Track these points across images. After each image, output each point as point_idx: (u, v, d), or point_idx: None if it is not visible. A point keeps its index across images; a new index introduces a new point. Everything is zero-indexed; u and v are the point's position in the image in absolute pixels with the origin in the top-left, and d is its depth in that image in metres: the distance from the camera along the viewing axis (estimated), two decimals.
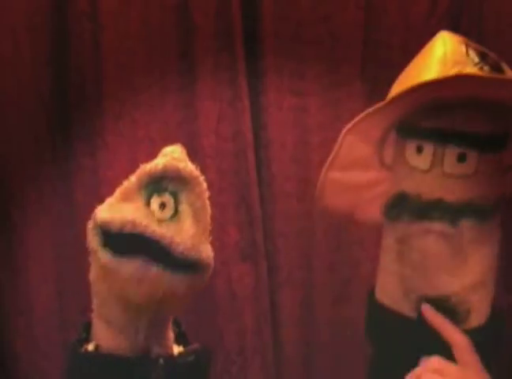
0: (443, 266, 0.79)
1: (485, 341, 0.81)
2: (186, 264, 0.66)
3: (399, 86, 0.85)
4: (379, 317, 0.86)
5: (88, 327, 0.75)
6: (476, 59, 0.80)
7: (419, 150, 0.80)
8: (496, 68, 0.80)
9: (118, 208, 0.64)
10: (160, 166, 0.66)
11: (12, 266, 1.27)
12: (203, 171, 1.23)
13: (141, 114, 1.25)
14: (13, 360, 1.27)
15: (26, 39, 1.22)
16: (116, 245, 0.66)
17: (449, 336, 0.78)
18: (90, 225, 0.68)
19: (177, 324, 0.80)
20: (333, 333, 1.25)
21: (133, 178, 0.67)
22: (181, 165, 0.67)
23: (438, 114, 0.78)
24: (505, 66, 0.84)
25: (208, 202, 0.71)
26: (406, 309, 0.82)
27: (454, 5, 1.19)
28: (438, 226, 0.78)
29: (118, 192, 0.67)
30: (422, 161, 0.80)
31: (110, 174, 1.25)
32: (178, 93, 1.25)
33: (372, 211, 0.89)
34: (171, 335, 0.75)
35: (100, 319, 0.72)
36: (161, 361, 0.71)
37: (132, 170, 1.27)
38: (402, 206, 0.81)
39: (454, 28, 1.18)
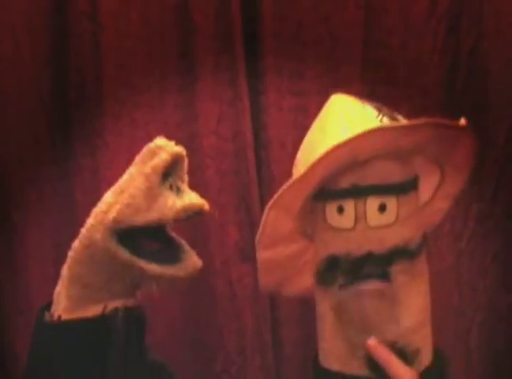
0: (383, 318, 0.81)
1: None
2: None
3: (305, 157, 0.86)
4: None
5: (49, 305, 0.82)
6: (375, 113, 0.83)
7: (340, 210, 0.81)
8: (393, 118, 0.83)
9: (151, 208, 0.75)
10: (169, 157, 0.76)
11: (12, 266, 1.27)
12: (203, 171, 1.24)
13: (140, 114, 1.25)
14: (13, 360, 1.27)
15: (26, 40, 1.22)
16: (128, 243, 0.77)
17: (396, 370, 0.79)
18: (102, 229, 0.77)
19: None
20: None
21: (150, 177, 0.75)
22: (177, 150, 0.79)
23: (354, 172, 0.80)
24: (398, 115, 0.86)
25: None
26: (355, 368, 0.82)
27: (454, 5, 1.19)
28: (369, 285, 0.80)
29: (136, 193, 0.76)
30: (345, 220, 0.81)
31: (110, 174, 1.25)
32: (178, 93, 1.25)
33: (299, 284, 0.90)
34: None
35: (76, 298, 0.80)
36: (120, 313, 0.79)
37: None
38: (334, 268, 0.82)
39: (454, 28, 1.19)
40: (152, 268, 0.78)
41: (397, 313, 0.80)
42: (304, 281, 0.89)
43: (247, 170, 1.23)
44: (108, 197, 0.79)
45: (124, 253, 0.77)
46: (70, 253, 0.82)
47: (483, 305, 1.23)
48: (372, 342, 0.80)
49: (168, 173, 0.78)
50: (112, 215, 0.75)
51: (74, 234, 1.25)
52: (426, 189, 0.89)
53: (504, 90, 1.19)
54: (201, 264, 0.84)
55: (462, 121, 0.81)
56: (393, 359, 0.79)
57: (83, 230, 0.80)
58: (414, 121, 0.79)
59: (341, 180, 0.81)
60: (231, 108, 1.24)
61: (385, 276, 0.80)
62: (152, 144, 0.80)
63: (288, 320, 1.26)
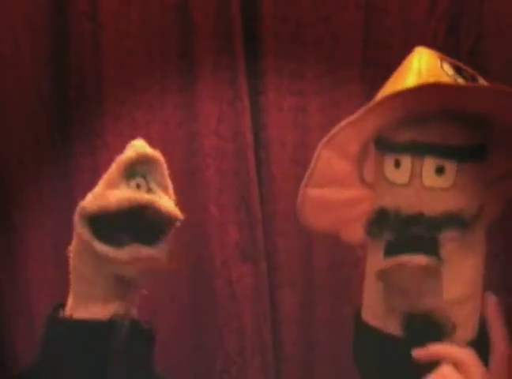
0: (423, 289, 0.79)
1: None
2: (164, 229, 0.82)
3: (378, 97, 0.85)
4: (365, 338, 0.84)
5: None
6: (451, 72, 0.80)
7: (397, 164, 0.79)
8: (472, 80, 0.81)
9: (106, 196, 0.78)
10: (133, 155, 0.80)
11: (12, 266, 1.27)
12: (203, 171, 1.24)
13: (141, 114, 1.25)
14: (13, 360, 1.27)
15: (26, 39, 1.22)
16: (104, 234, 0.79)
17: (455, 358, 0.76)
18: (77, 219, 0.80)
19: None
20: (333, 333, 1.25)
21: (112, 170, 0.80)
22: (147, 151, 0.81)
23: (415, 127, 0.78)
24: (481, 79, 0.84)
25: (168, 177, 0.84)
26: (391, 327, 0.81)
27: (454, 5, 1.19)
28: (414, 259, 0.78)
29: (101, 184, 0.80)
30: (400, 175, 0.79)
31: None
32: (178, 93, 1.25)
33: (356, 231, 0.88)
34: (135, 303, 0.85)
35: (77, 291, 0.82)
36: (126, 322, 0.81)
37: None
38: (383, 222, 0.81)
39: (454, 28, 1.19)
40: (105, 249, 0.78)
41: (439, 282, 0.78)
42: (358, 232, 0.86)
43: (247, 170, 1.23)
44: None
45: (87, 235, 0.79)
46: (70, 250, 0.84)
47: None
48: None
49: (135, 172, 0.80)
50: (83, 205, 0.80)
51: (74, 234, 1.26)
52: (496, 166, 0.84)
53: None
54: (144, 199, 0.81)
55: None
56: (447, 348, 0.77)
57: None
58: (473, 84, 0.78)
59: (401, 133, 0.79)
60: (231, 108, 1.24)
61: (432, 244, 0.78)
62: (131, 142, 0.83)
63: (288, 320, 1.26)
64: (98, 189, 0.80)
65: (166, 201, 0.82)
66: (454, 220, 0.78)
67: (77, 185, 1.26)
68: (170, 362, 1.28)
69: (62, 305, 0.84)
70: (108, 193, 0.78)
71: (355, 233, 0.88)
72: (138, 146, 0.82)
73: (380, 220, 0.81)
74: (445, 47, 1.18)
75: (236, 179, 1.24)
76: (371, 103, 0.78)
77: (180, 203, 1.27)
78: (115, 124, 1.25)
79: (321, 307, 1.25)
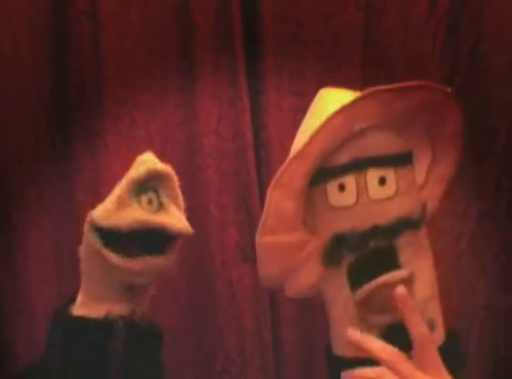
0: None
1: (449, 359, 0.79)
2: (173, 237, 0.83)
3: (298, 141, 0.88)
4: (342, 368, 0.83)
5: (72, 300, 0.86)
6: None
7: (342, 188, 0.83)
8: None
9: (119, 215, 0.79)
10: (144, 172, 0.80)
11: (12, 266, 1.27)
12: (203, 171, 1.24)
13: (140, 114, 1.25)
14: (13, 360, 1.27)
15: (26, 40, 1.22)
16: (114, 244, 0.81)
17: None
18: (88, 228, 0.82)
19: None
20: None
21: (123, 187, 0.80)
22: (158, 166, 0.82)
23: (352, 146, 0.82)
24: None
25: (179, 189, 0.86)
26: None
27: (454, 6, 1.19)
28: (393, 276, 0.80)
29: (113, 199, 0.80)
30: (347, 197, 0.83)
31: (110, 174, 1.25)
32: (178, 93, 1.25)
33: (299, 280, 0.90)
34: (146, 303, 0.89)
35: (87, 290, 0.85)
36: (120, 321, 0.82)
37: None
38: (340, 247, 0.82)
39: (454, 28, 1.19)
40: (116, 259, 0.80)
41: (412, 289, 0.81)
42: (306, 277, 0.89)
43: (247, 171, 1.23)
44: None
45: (98, 245, 0.80)
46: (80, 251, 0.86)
47: (483, 305, 1.23)
48: (350, 331, 0.78)
49: (147, 187, 0.81)
50: (92, 212, 0.81)
51: (74, 234, 1.26)
52: (419, 170, 0.91)
53: (504, 90, 1.19)
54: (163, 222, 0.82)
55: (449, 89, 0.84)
56: (369, 340, 0.77)
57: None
58: (405, 83, 0.81)
59: (340, 155, 0.83)
60: (231, 108, 1.24)
61: (391, 253, 0.81)
62: (139, 157, 0.84)
63: (288, 320, 1.26)
64: (110, 204, 0.80)
65: (177, 220, 0.82)
66: (406, 224, 0.82)
67: (77, 185, 1.26)
68: (170, 362, 1.28)
69: (72, 300, 0.86)
70: (121, 212, 0.79)
71: (300, 283, 0.91)
72: (149, 162, 0.83)
73: (337, 246, 0.83)
74: (445, 47, 1.19)
75: (236, 179, 1.24)
76: (313, 131, 0.81)
77: None
78: (115, 124, 1.25)
79: (321, 307, 1.25)
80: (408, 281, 0.80)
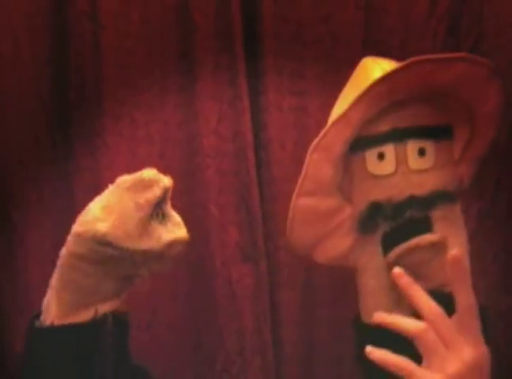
0: (431, 267, 0.82)
1: None
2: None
3: (339, 107, 0.89)
4: (372, 339, 0.84)
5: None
6: None
7: (381, 156, 0.84)
8: None
9: (142, 238, 0.80)
10: (162, 193, 0.80)
11: (12, 266, 1.27)
12: (203, 171, 1.24)
13: (141, 114, 1.25)
14: (13, 360, 1.27)
15: (26, 39, 1.22)
16: None
17: (421, 302, 0.77)
18: (91, 238, 0.81)
19: None
20: (333, 333, 1.25)
21: (145, 209, 0.79)
22: (167, 183, 0.82)
23: (393, 115, 0.83)
24: None
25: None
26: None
27: (454, 5, 1.19)
28: (422, 239, 0.81)
29: (131, 223, 0.79)
30: (385, 166, 0.84)
31: (110, 174, 1.25)
32: (178, 93, 1.25)
33: (329, 248, 0.91)
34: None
35: (65, 299, 0.83)
36: (110, 318, 0.82)
37: (132, 171, 1.28)
38: (376, 215, 0.83)
39: (454, 28, 1.19)
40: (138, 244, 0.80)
41: (444, 258, 0.79)
42: (337, 244, 0.90)
43: (247, 171, 1.23)
44: (96, 211, 0.83)
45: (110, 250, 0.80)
46: (59, 262, 0.85)
47: (483, 305, 1.23)
48: (397, 270, 0.78)
49: (158, 204, 0.82)
50: (103, 230, 0.79)
51: None
52: (456, 146, 0.91)
53: (504, 90, 1.18)
54: (185, 237, 0.86)
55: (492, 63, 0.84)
56: (419, 291, 0.77)
57: (69, 238, 0.84)
58: (449, 54, 0.82)
59: (381, 124, 0.83)
60: (231, 108, 1.24)
61: (426, 224, 0.81)
62: (145, 175, 0.82)
63: (288, 320, 1.26)
64: (126, 225, 0.79)
65: (182, 231, 0.85)
66: (442, 197, 0.83)
67: (77, 185, 1.26)
68: (170, 362, 1.28)
69: (38, 315, 0.85)
70: (145, 235, 0.80)
71: (330, 251, 0.92)
72: (161, 182, 0.81)
73: (373, 214, 0.83)
74: (445, 47, 1.19)
75: (236, 179, 1.24)
76: (355, 96, 0.82)
77: (180, 203, 1.27)
78: (115, 124, 1.25)
79: (321, 307, 1.25)
80: (439, 246, 0.80)
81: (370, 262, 0.85)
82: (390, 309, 0.83)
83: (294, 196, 0.88)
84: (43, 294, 1.27)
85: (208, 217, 1.24)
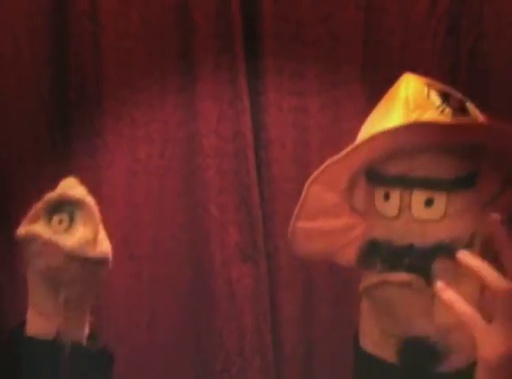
0: (413, 311, 0.78)
1: None
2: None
3: (365, 131, 0.85)
4: (364, 365, 0.84)
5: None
6: (438, 102, 0.80)
7: (387, 197, 0.80)
8: (459, 109, 0.80)
9: (30, 227, 0.86)
10: (56, 196, 0.87)
11: (12, 266, 1.27)
12: (203, 171, 1.24)
13: (140, 114, 1.25)
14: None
15: (26, 39, 1.22)
16: None
17: (466, 316, 0.70)
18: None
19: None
20: (333, 333, 1.25)
21: (38, 205, 0.87)
22: (70, 193, 0.87)
23: (404, 161, 0.78)
24: (469, 106, 0.83)
25: (97, 214, 0.86)
26: (387, 354, 0.81)
27: (454, 5, 1.19)
28: (396, 277, 0.77)
29: (29, 215, 0.87)
30: (390, 208, 0.80)
31: (110, 174, 1.25)
32: (178, 93, 1.25)
33: (351, 254, 0.88)
34: (86, 328, 0.87)
35: (31, 306, 0.86)
36: (69, 344, 0.83)
37: (132, 170, 1.28)
38: (375, 253, 0.80)
39: (454, 28, 1.19)
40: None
41: (433, 308, 0.78)
42: (351, 256, 0.88)
43: (247, 170, 1.23)
44: None
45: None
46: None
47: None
48: (440, 284, 0.71)
49: (62, 209, 0.86)
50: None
51: None
52: (484, 193, 0.83)
53: (504, 90, 1.19)
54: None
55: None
56: (463, 304, 0.70)
57: None
58: (460, 121, 0.76)
59: (390, 166, 0.79)
60: (231, 108, 1.24)
61: (426, 271, 0.77)
62: (63, 180, 0.91)
63: (288, 320, 1.26)
64: (27, 219, 0.87)
65: (75, 240, 0.83)
66: (446, 250, 0.77)
67: None
68: (170, 362, 1.28)
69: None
70: (30, 226, 0.86)
71: (350, 256, 0.89)
72: (65, 187, 0.89)
73: (372, 251, 0.81)
74: (445, 47, 1.19)
75: (236, 179, 1.24)
76: (358, 141, 0.79)
77: (180, 203, 1.27)
78: (115, 124, 1.25)
79: (321, 307, 1.25)
80: (410, 285, 0.78)
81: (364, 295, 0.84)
82: (379, 341, 0.82)
83: (292, 221, 0.87)
84: None
85: (208, 217, 1.24)
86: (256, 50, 1.22)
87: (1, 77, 1.23)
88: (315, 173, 0.82)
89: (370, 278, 0.80)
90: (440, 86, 0.84)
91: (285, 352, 1.26)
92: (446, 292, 0.71)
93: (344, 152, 0.79)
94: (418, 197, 0.78)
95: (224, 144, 1.24)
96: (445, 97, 0.81)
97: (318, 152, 1.22)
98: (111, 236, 1.26)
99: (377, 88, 1.19)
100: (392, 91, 0.86)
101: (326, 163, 0.81)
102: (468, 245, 0.79)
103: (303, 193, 0.84)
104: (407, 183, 0.79)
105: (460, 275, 0.78)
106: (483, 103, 1.19)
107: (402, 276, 0.77)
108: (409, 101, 0.81)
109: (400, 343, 0.80)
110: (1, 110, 1.24)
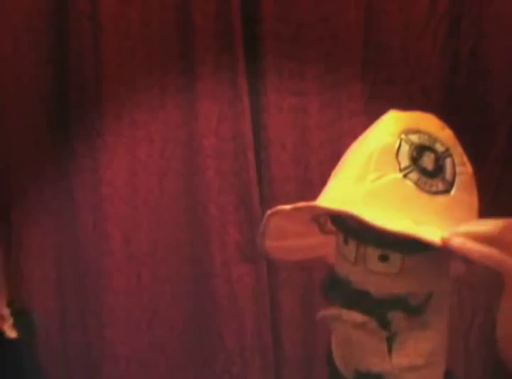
0: (367, 348, 0.76)
1: None
2: None
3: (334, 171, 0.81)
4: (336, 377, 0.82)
5: None
6: (405, 163, 0.73)
7: (346, 242, 0.77)
8: (431, 171, 0.73)
9: None
10: None
11: (12, 266, 1.27)
12: (203, 172, 1.24)
13: (140, 114, 1.25)
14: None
15: (26, 40, 1.22)
16: None
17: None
18: None
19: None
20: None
21: None
22: None
23: (353, 219, 0.73)
24: (448, 164, 0.74)
25: None
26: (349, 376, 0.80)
27: (454, 6, 1.19)
28: (349, 315, 0.75)
29: None
30: (348, 253, 0.77)
31: (110, 174, 1.25)
32: (178, 93, 1.25)
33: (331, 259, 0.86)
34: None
35: None
36: None
37: (132, 170, 1.28)
38: (336, 288, 0.78)
39: (454, 29, 1.19)
40: None
41: (383, 346, 0.76)
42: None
43: (247, 171, 1.23)
44: None
45: None
46: None
47: (483, 305, 1.23)
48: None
49: None
50: None
51: (74, 234, 1.26)
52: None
53: (504, 90, 1.19)
54: None
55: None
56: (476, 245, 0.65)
57: None
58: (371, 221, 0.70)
59: (347, 217, 0.75)
60: (231, 108, 1.24)
61: (382, 319, 0.74)
62: None
63: (288, 320, 1.26)
64: None
65: None
66: (400, 304, 0.75)
67: (77, 185, 1.26)
68: (170, 363, 1.28)
69: None
70: None
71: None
72: None
73: (334, 286, 0.79)
74: (445, 47, 1.19)
75: (236, 179, 1.24)
76: (303, 204, 0.75)
77: (180, 203, 1.27)
78: (115, 124, 1.25)
79: (321, 307, 1.25)
80: (363, 326, 0.77)
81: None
82: (341, 364, 0.80)
83: (258, 240, 0.83)
84: (42, 294, 1.28)
85: (208, 217, 1.24)
86: (256, 50, 1.22)
87: (1, 78, 1.23)
88: (272, 210, 0.78)
89: (329, 308, 0.79)
90: (422, 134, 0.76)
91: (285, 352, 1.26)
92: (455, 239, 0.66)
93: (292, 207, 0.75)
94: (372, 252, 0.75)
95: (223, 144, 1.24)
96: (418, 154, 0.74)
97: (317, 152, 1.22)
98: (111, 236, 1.27)
99: (377, 88, 1.21)
100: (368, 133, 0.80)
101: (279, 208, 0.77)
102: (424, 303, 0.75)
103: (264, 224, 0.80)
104: (361, 238, 0.75)
105: (417, 324, 0.76)
106: (483, 103, 1.21)
107: (356, 316, 0.75)
108: (372, 159, 0.75)
109: (357, 375, 0.79)
110: (1, 111, 1.24)
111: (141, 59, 1.24)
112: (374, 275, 0.75)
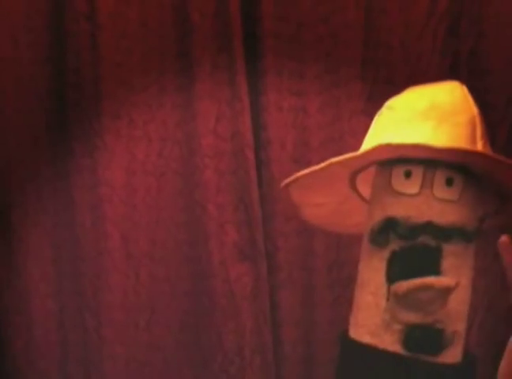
0: (436, 304, 0.80)
1: None
2: None
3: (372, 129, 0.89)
4: (357, 356, 0.84)
5: None
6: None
7: (408, 174, 0.82)
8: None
9: None
10: None
11: (11, 266, 1.27)
12: (202, 171, 1.24)
13: (139, 114, 1.25)
14: (11, 358, 1.27)
15: (25, 40, 1.22)
16: None
17: None
18: None
19: None
20: (333, 333, 1.24)
21: None
22: None
23: (424, 149, 0.80)
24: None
25: None
26: (387, 343, 0.81)
27: (454, 5, 1.18)
28: (442, 281, 0.80)
29: None
30: (410, 185, 0.82)
31: (108, 174, 1.25)
32: (176, 93, 1.25)
33: (346, 224, 0.94)
34: None
35: None
36: None
37: (130, 170, 1.28)
38: (390, 231, 0.82)
39: (454, 28, 1.19)
40: None
41: (447, 298, 0.80)
42: (352, 222, 0.92)
43: (247, 170, 1.23)
44: None
45: None
46: None
47: (483, 305, 1.23)
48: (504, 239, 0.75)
49: None
50: None
51: (73, 234, 1.26)
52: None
53: (504, 90, 1.19)
54: None
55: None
56: None
57: None
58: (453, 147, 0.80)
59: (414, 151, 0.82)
60: (229, 108, 1.23)
61: (436, 255, 0.80)
62: None
63: (288, 320, 1.26)
64: None
65: None
66: (459, 232, 0.81)
67: (76, 185, 1.25)
68: (169, 362, 1.28)
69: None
70: None
71: (348, 226, 0.95)
72: None
73: (387, 229, 0.82)
74: (445, 47, 1.19)
75: (235, 179, 1.24)
76: (361, 152, 0.83)
77: (178, 203, 1.27)
78: (113, 124, 1.25)
79: (321, 307, 1.25)
80: (451, 291, 0.79)
81: (373, 278, 0.84)
82: (379, 329, 0.82)
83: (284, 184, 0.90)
84: (42, 294, 1.28)
85: (207, 217, 1.24)
86: (255, 49, 1.22)
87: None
88: (336, 159, 0.84)
89: (408, 281, 0.80)
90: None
91: (285, 352, 1.26)
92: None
93: (338, 159, 0.82)
94: (440, 175, 0.81)
95: (222, 143, 1.24)
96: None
97: (317, 152, 1.22)
98: (109, 235, 1.27)
99: (377, 88, 1.20)
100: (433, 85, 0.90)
101: (329, 162, 0.83)
102: (477, 231, 0.84)
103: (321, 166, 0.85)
104: (431, 163, 0.81)
105: (465, 263, 0.82)
106: (483, 102, 1.20)
107: (446, 282, 0.80)
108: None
109: (406, 328, 0.80)
110: (0, 111, 1.24)
111: (139, 59, 1.24)
112: (438, 202, 0.81)
